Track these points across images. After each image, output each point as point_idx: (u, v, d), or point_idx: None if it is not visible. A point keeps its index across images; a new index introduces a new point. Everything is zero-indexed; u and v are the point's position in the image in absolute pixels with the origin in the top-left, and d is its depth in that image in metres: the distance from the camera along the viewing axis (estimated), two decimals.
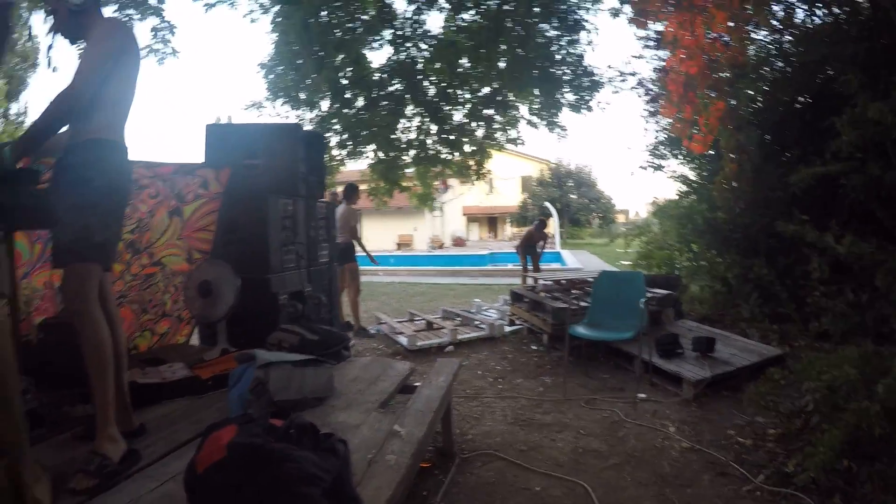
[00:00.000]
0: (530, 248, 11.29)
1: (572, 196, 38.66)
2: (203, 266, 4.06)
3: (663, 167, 9.18)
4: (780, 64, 6.76)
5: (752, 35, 6.80)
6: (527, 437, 3.78)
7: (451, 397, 3.37)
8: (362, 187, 9.49)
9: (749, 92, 6.65)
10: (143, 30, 6.30)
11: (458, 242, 34.64)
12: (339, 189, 8.19)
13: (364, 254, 7.71)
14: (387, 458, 2.13)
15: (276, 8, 7.77)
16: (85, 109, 2.21)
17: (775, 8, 6.61)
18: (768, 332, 5.62)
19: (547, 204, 31.10)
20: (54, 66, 2.70)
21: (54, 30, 2.42)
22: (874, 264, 4.00)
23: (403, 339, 6.47)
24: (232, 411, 2.66)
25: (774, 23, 6.61)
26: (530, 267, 11.15)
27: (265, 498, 1.65)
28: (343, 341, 3.91)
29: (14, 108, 17.32)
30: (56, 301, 3.65)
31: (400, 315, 8.38)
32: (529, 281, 8.70)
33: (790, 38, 6.69)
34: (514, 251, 11.90)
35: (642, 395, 4.49)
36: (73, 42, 2.44)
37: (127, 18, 6.07)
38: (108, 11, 5.97)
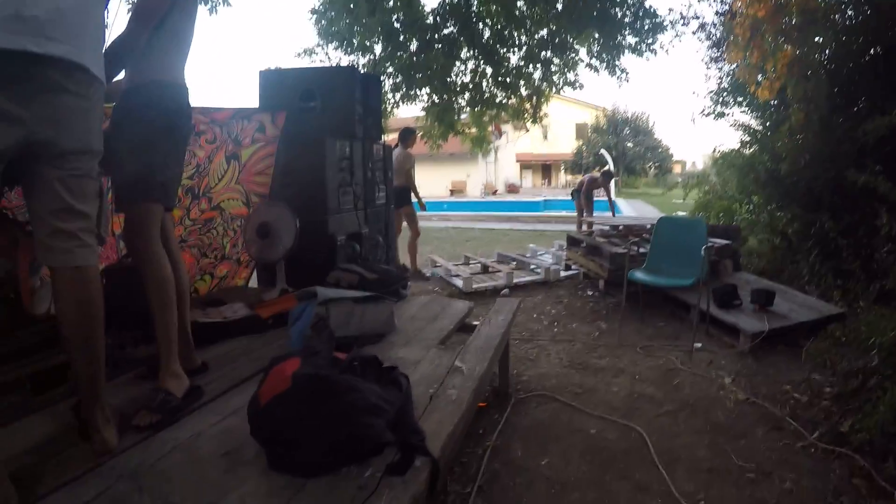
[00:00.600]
0: (589, 194, 11.06)
1: (628, 144, 37.75)
2: (261, 208, 4.13)
3: (725, 115, 8.85)
4: (852, 11, 6.33)
5: None
6: (582, 380, 3.79)
7: (509, 337, 3.39)
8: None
9: (819, 39, 6.28)
10: None
11: (512, 189, 34.40)
12: (394, 133, 8.14)
13: (416, 199, 7.69)
14: (448, 393, 2.16)
15: None
16: (143, 51, 2.21)
17: None
18: (829, 290, 5.43)
19: (603, 151, 30.43)
20: (107, 23, 2.72)
21: None
22: None
23: (459, 282, 6.53)
24: (294, 345, 2.74)
25: None
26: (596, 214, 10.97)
27: (330, 427, 1.69)
28: (401, 280, 3.95)
29: None
30: (118, 248, 3.76)
31: (455, 259, 8.42)
32: (585, 227, 8.60)
33: None
34: (570, 197, 11.64)
35: (698, 345, 4.43)
36: None
37: None
38: None
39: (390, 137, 8.40)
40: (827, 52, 6.27)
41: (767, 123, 7.92)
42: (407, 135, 7.75)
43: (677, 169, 40.28)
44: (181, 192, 4.13)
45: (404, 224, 7.61)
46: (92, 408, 1.79)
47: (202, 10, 6.29)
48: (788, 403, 3.44)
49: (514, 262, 7.72)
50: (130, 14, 2.21)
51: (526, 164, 40.99)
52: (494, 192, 31.95)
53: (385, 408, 1.81)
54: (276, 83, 4.87)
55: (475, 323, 3.32)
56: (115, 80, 2.26)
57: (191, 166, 4.14)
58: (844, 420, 3.05)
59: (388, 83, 9.47)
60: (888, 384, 2.96)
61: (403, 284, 3.94)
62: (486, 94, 10.11)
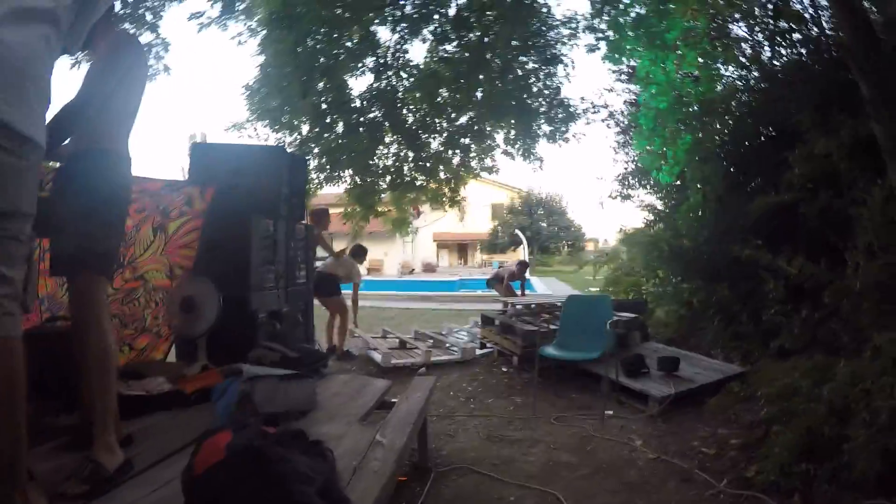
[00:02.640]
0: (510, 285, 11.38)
1: (542, 224, 39.15)
2: (186, 282, 4.14)
3: (632, 196, 9.47)
4: (746, 99, 7.09)
5: (724, 70, 7.17)
6: (499, 451, 3.91)
7: (427, 413, 3.50)
8: (336, 210, 9.61)
9: (715, 126, 6.97)
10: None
11: (429, 268, 34.73)
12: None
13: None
14: (371, 465, 2.24)
15: (264, 32, 7.91)
16: (90, 120, 2.27)
17: (744, 45, 7.01)
18: (731, 353, 5.85)
19: (517, 232, 31.44)
20: (77, 59, 2.74)
21: None
22: (824, 284, 4.28)
23: (378, 357, 6.60)
24: (218, 422, 2.75)
25: (742, 59, 6.98)
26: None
27: (265, 495, 1.73)
28: (321, 359, 4.02)
29: None
30: (40, 310, 3.68)
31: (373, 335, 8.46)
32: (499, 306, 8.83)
33: (756, 74, 7.06)
34: (486, 284, 12.03)
35: (610, 412, 4.65)
36: (81, 50, 2.51)
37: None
38: None
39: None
40: (724, 136, 6.95)
41: (671, 203, 8.52)
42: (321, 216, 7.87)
43: (590, 246, 41.88)
44: None
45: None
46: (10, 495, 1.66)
47: None
48: (697, 457, 3.67)
49: (431, 340, 7.86)
50: (81, 84, 2.28)
51: (443, 244, 41.65)
52: (411, 272, 32.17)
53: (314, 477, 1.89)
54: (206, 156, 4.96)
55: (394, 400, 3.42)
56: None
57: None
58: (750, 466, 3.31)
59: (313, 163, 9.65)
60: (779, 428, 3.27)
61: (324, 363, 4.01)
62: (408, 178, 10.43)
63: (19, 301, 1.67)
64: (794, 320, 4.79)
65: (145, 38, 6.26)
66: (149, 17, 6.23)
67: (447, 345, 7.53)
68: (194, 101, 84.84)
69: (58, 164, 2.45)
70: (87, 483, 1.98)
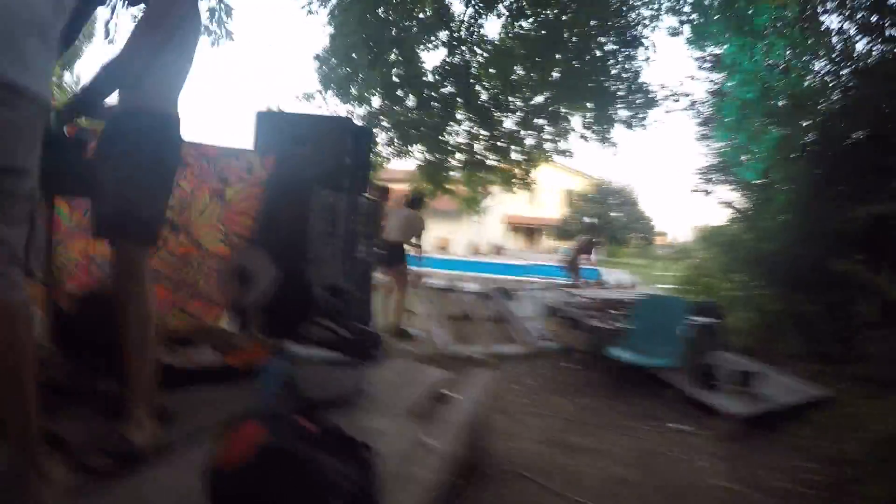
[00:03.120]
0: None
1: (613, 214, 38.19)
2: (241, 252, 4.02)
3: (711, 192, 8.97)
4: (838, 96, 6.49)
5: (812, 65, 6.60)
6: (556, 458, 3.65)
7: (483, 410, 3.25)
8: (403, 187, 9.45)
9: (805, 123, 6.42)
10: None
11: (497, 250, 34.45)
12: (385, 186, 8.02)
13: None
14: (414, 472, 2.02)
15: (334, 1, 7.76)
16: (136, 77, 2.12)
17: (835, 39, 6.42)
18: (810, 371, 5.39)
19: (588, 219, 30.73)
20: (112, 37, 2.64)
21: None
22: None
23: (440, 343, 6.40)
24: (262, 404, 2.60)
25: (834, 54, 6.40)
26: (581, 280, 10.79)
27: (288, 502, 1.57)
28: (376, 341, 3.82)
29: (67, 78, 17.57)
30: (90, 271, 3.62)
31: (437, 318, 8.23)
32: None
33: (849, 70, 6.46)
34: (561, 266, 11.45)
35: (677, 425, 4.32)
36: (133, 3, 2.34)
37: None
38: None
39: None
40: (811, 135, 6.40)
41: (753, 202, 7.99)
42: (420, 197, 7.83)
43: (660, 240, 40.68)
44: None
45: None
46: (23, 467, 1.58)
47: (204, 40, 6.28)
48: (772, 492, 3.33)
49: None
50: (129, 37, 2.10)
51: (512, 226, 41.20)
52: (478, 252, 31.98)
53: (346, 487, 1.68)
54: (270, 125, 4.82)
55: (449, 394, 3.18)
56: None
57: (173, 197, 4.04)
58: None
59: (382, 137, 9.51)
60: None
61: (378, 346, 3.81)
62: (479, 157, 10.17)
63: (18, 263, 1.54)
64: (891, 346, 4.26)
65: (207, 2, 6.12)
66: None
67: (512, 333, 7.25)
68: (268, 71, 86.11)
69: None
70: (111, 457, 1.90)
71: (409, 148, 9.66)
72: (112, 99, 2.21)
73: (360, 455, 1.88)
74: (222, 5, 6.14)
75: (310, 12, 8.13)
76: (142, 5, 2.30)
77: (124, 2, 2.35)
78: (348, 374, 2.74)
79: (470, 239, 33.02)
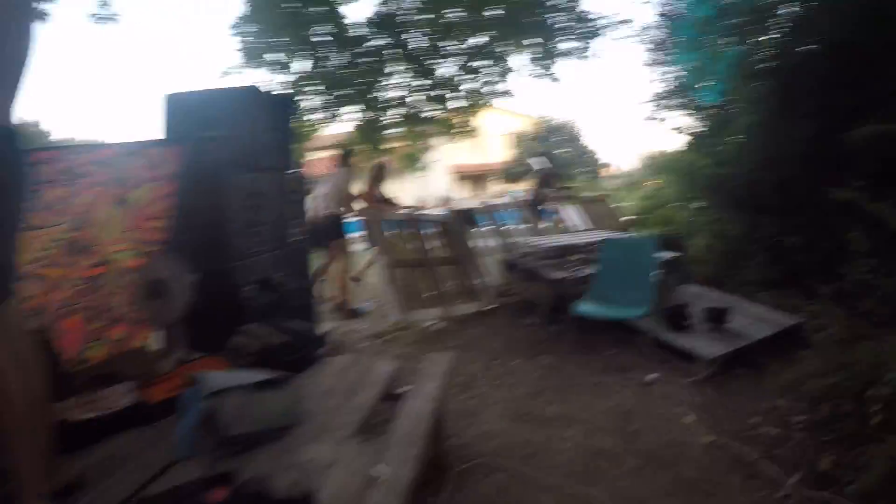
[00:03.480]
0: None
1: (557, 151, 37.98)
2: (151, 264, 3.56)
3: (665, 119, 8.67)
4: (798, 8, 6.17)
5: None
6: (530, 436, 3.36)
7: (443, 403, 2.93)
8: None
9: (763, 38, 6.12)
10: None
11: (444, 202, 33.98)
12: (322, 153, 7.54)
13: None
14: None
15: None
16: None
17: None
18: (783, 300, 5.21)
19: (532, 159, 30.42)
20: None
21: None
22: None
23: (393, 315, 5.98)
24: (180, 449, 2.21)
25: None
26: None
27: None
28: (316, 340, 3.44)
29: None
30: None
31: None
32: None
33: None
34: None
35: (653, 376, 4.10)
36: None
37: None
38: None
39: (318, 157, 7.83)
40: (772, 51, 6.11)
41: (712, 126, 7.73)
42: (347, 155, 7.19)
43: (605, 172, 40.84)
44: (60, 249, 3.53)
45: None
46: None
47: (87, 25, 5.64)
48: (760, 440, 3.15)
49: None
50: None
51: (458, 176, 40.69)
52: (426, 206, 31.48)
53: None
54: (179, 109, 4.28)
55: (402, 390, 2.84)
56: None
57: (69, 216, 3.54)
58: (822, 455, 2.82)
59: (312, 102, 8.93)
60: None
61: (320, 344, 3.42)
62: (415, 109, 9.66)
63: None
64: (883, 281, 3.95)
65: None
66: None
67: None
68: (193, 49, 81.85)
69: None
70: None
71: (340, 110, 9.10)
72: None
73: None
74: None
75: None
76: None
77: None
78: (279, 398, 2.36)
79: (416, 194, 32.50)
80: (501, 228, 7.71)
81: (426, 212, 7.32)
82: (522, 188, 10.72)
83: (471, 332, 5.57)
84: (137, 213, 3.86)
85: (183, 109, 4.24)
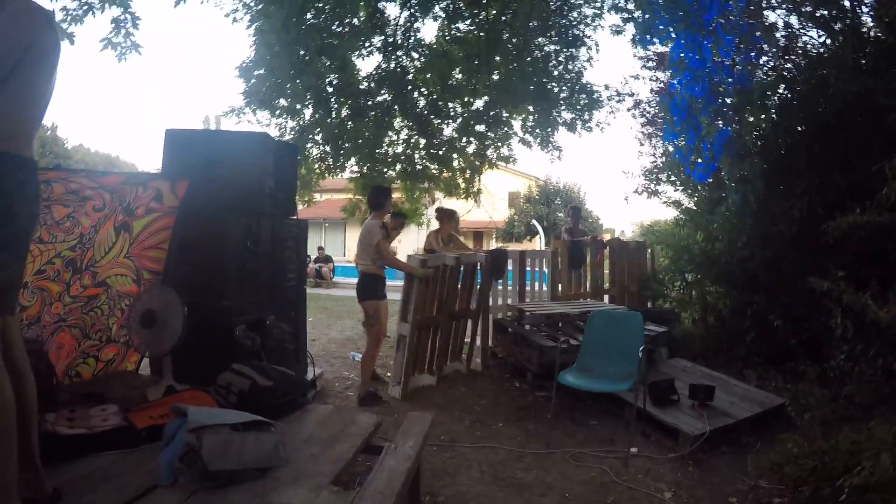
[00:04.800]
0: None
1: (559, 214, 38.38)
2: (146, 293, 3.61)
3: (659, 192, 8.80)
4: (786, 91, 6.39)
5: (758, 60, 6.50)
6: (505, 500, 3.33)
7: (420, 462, 2.92)
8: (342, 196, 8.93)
9: (755, 119, 6.31)
10: (103, 21, 5.67)
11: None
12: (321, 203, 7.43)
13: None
14: None
15: (260, 7, 7.30)
16: None
17: (779, 35, 6.33)
18: (766, 374, 5.30)
19: (534, 222, 30.76)
20: None
21: None
22: None
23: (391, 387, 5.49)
24: (161, 477, 2.24)
25: (781, 43, 6.30)
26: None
27: None
28: (301, 387, 3.45)
29: None
30: None
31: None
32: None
33: (792, 63, 6.39)
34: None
35: (634, 450, 4.07)
36: None
37: (86, 7, 5.54)
38: (66, 0, 5.50)
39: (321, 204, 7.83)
40: (763, 131, 6.29)
41: (703, 203, 7.82)
42: (379, 197, 5.65)
43: (607, 236, 41.10)
44: (61, 265, 3.63)
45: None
46: None
47: (108, 55, 5.80)
48: None
49: None
50: None
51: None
52: None
53: None
54: (181, 145, 4.42)
55: (382, 444, 2.84)
56: None
57: (73, 235, 3.64)
58: None
59: (316, 150, 9.08)
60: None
61: (303, 392, 3.44)
62: (419, 167, 9.83)
63: None
64: (867, 367, 3.99)
65: (112, 12, 5.61)
66: None
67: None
68: (201, 85, 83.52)
69: None
70: None
71: (343, 161, 9.23)
72: None
73: None
74: (128, 15, 5.63)
75: (234, 20, 7.69)
76: None
77: None
78: (261, 440, 2.38)
79: (416, 247, 32.73)
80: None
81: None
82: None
83: (457, 392, 5.55)
84: (137, 241, 3.94)
85: (183, 147, 4.38)
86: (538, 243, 31.48)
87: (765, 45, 6.21)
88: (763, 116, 6.25)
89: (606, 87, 9.31)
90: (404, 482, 2.39)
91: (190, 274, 3.93)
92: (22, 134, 1.90)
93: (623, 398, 4.62)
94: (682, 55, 6.20)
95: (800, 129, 5.85)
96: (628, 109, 9.19)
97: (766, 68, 6.60)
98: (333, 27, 7.66)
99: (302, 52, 7.38)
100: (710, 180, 6.94)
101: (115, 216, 3.81)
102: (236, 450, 2.27)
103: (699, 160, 6.43)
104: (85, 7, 5.52)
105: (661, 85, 8.43)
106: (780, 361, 5.36)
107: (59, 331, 3.76)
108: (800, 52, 6.38)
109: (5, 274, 1.85)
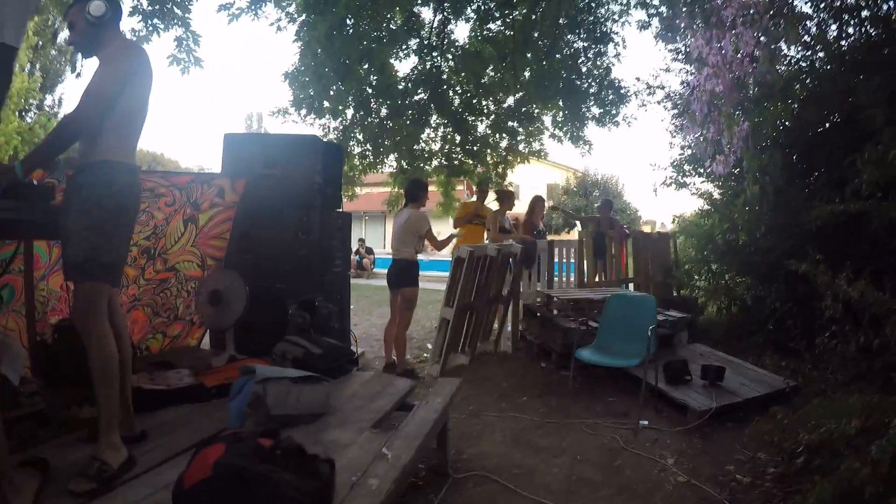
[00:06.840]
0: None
1: (597, 206, 38.18)
2: (214, 275, 4.18)
3: (687, 184, 9.00)
4: (810, 83, 6.50)
5: (783, 52, 6.61)
6: (523, 459, 3.78)
7: (448, 418, 3.40)
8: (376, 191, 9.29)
9: (775, 111, 6.47)
10: (167, 39, 6.32)
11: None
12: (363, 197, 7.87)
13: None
14: (369, 483, 2.17)
15: (302, 17, 7.85)
16: (93, 130, 2.30)
17: (809, 24, 6.41)
18: (777, 364, 5.51)
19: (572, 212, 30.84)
20: (79, 71, 2.83)
21: (71, 41, 2.51)
22: (887, 313, 3.79)
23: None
24: (231, 422, 2.76)
25: (806, 38, 6.37)
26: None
27: None
28: (347, 355, 3.97)
29: (49, 100, 17.62)
30: (68, 302, 3.77)
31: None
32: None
33: (822, 55, 6.47)
34: None
35: (645, 422, 4.46)
36: (86, 56, 2.48)
37: (152, 28, 6.15)
38: (134, 22, 6.14)
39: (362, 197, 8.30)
40: (784, 123, 6.43)
41: (727, 193, 8.05)
42: (418, 190, 6.19)
43: (646, 229, 40.69)
44: (137, 252, 4.19)
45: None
46: None
47: (173, 70, 6.39)
48: (730, 485, 3.45)
49: None
50: (82, 95, 2.28)
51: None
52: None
53: (300, 500, 1.84)
54: (239, 148, 4.97)
55: (415, 403, 3.34)
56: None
57: (148, 227, 4.21)
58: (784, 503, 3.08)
59: (356, 149, 9.61)
60: (817, 477, 2.94)
61: (350, 359, 3.96)
62: (455, 162, 10.27)
63: None
64: (850, 346, 4.32)
65: (174, 32, 6.20)
66: (177, 11, 6.15)
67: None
68: (245, 91, 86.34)
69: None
70: (94, 481, 2.08)
71: (383, 158, 9.77)
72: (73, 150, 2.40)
73: (318, 470, 2.04)
74: (189, 34, 6.23)
75: (279, 29, 8.23)
76: (95, 57, 2.44)
77: (81, 54, 2.49)
78: (315, 392, 2.89)
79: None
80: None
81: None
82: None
83: (487, 371, 6.00)
84: (202, 232, 4.51)
85: (240, 148, 4.93)
86: (576, 235, 31.47)
87: (783, 43, 6.34)
88: (784, 109, 6.40)
89: (638, 80, 9.52)
90: (432, 428, 2.89)
91: (250, 260, 4.49)
92: (127, 146, 2.44)
93: (640, 377, 5.01)
94: (700, 51, 6.42)
95: (824, 122, 6.02)
96: (659, 102, 9.39)
97: (790, 59, 6.71)
98: (373, 34, 8.16)
99: (343, 59, 7.88)
100: (735, 170, 7.14)
101: (183, 210, 4.38)
102: (294, 398, 2.79)
103: (717, 154, 6.65)
104: (150, 28, 6.14)
105: (692, 76, 8.59)
106: (791, 356, 5.58)
107: (134, 309, 4.36)
108: (829, 43, 6.39)
109: (117, 255, 2.39)
